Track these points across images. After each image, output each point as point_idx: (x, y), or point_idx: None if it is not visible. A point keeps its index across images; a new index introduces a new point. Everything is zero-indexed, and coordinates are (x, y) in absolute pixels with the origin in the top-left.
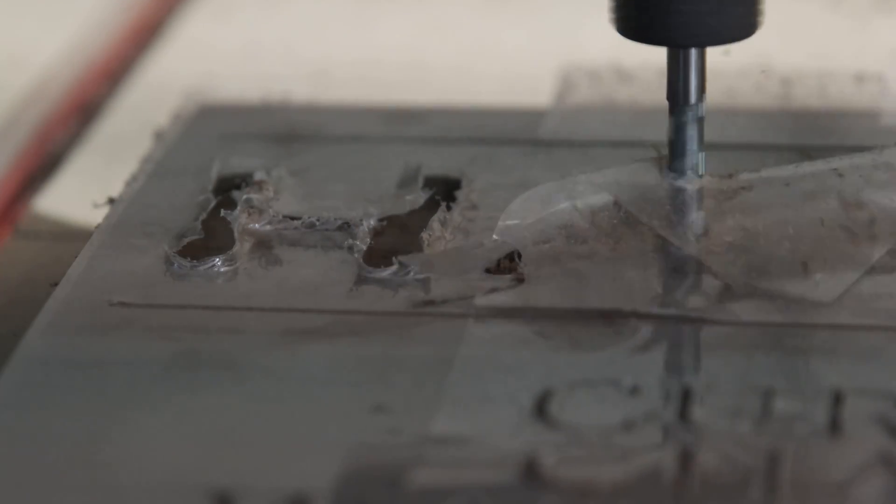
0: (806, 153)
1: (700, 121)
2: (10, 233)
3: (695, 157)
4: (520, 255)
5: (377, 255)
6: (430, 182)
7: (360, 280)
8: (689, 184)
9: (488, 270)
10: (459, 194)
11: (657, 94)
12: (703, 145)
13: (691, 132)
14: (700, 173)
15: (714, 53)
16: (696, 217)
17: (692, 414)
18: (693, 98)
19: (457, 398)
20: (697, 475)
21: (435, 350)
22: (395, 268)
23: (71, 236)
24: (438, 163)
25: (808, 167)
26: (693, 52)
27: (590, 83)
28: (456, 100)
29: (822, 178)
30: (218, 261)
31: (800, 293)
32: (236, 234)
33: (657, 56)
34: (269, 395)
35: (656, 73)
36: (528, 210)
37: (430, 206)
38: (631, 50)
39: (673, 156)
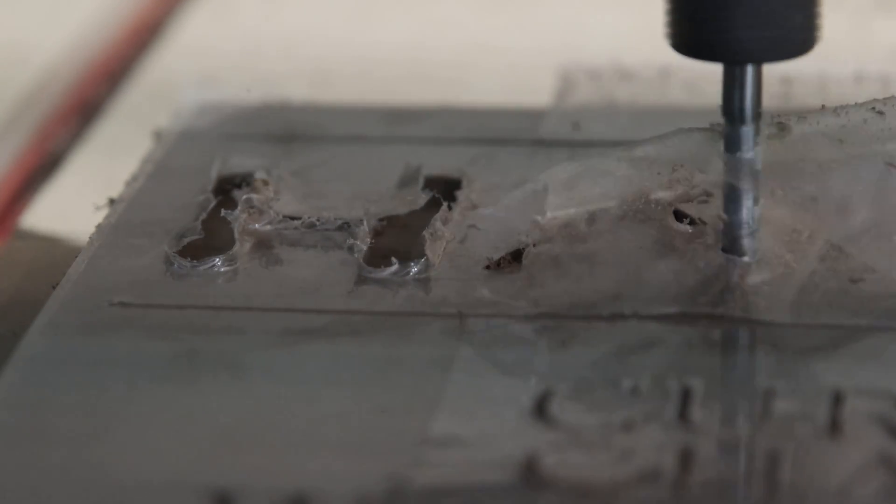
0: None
1: (756, 137)
2: (10, 233)
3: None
4: (520, 255)
5: (377, 255)
6: (429, 182)
7: (360, 280)
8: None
9: (488, 269)
10: (459, 194)
11: (657, 93)
12: (758, 163)
13: (747, 149)
14: (755, 193)
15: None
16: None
17: (692, 414)
18: (749, 115)
19: (457, 398)
20: (697, 475)
21: (435, 350)
22: (395, 268)
23: (71, 236)
24: (438, 163)
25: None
26: (749, 68)
27: (590, 82)
28: (456, 100)
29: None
30: (218, 261)
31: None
32: (236, 234)
33: (658, 55)
34: (269, 395)
35: (657, 72)
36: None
37: (431, 206)
38: (631, 49)
39: (728, 174)
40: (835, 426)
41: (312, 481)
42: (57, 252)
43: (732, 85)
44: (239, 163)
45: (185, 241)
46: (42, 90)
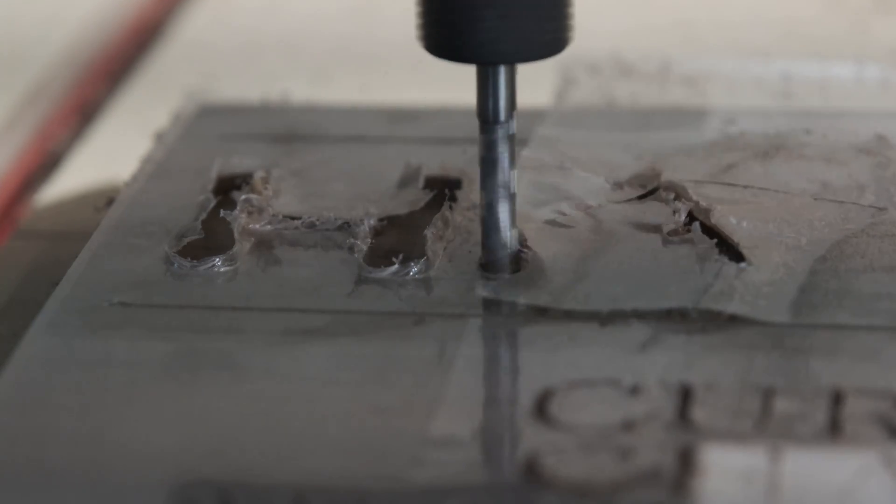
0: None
1: (511, 138)
2: (10, 233)
3: (507, 174)
4: (520, 256)
5: (377, 255)
6: (429, 182)
7: (360, 280)
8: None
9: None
10: (460, 194)
11: (657, 90)
12: (514, 163)
13: (503, 150)
14: (512, 191)
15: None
16: None
17: (692, 414)
18: (503, 115)
19: (457, 398)
20: (697, 475)
21: (435, 350)
22: (395, 268)
23: (71, 236)
24: (438, 163)
25: None
26: (502, 69)
27: (590, 77)
28: (456, 99)
29: None
30: (218, 261)
31: None
32: (236, 234)
33: (658, 52)
34: (269, 395)
35: (657, 67)
36: None
37: (431, 206)
38: (631, 45)
39: (484, 174)
40: (835, 426)
41: (312, 481)
42: (57, 252)
43: (486, 87)
44: (239, 163)
45: (185, 241)
46: (42, 90)
